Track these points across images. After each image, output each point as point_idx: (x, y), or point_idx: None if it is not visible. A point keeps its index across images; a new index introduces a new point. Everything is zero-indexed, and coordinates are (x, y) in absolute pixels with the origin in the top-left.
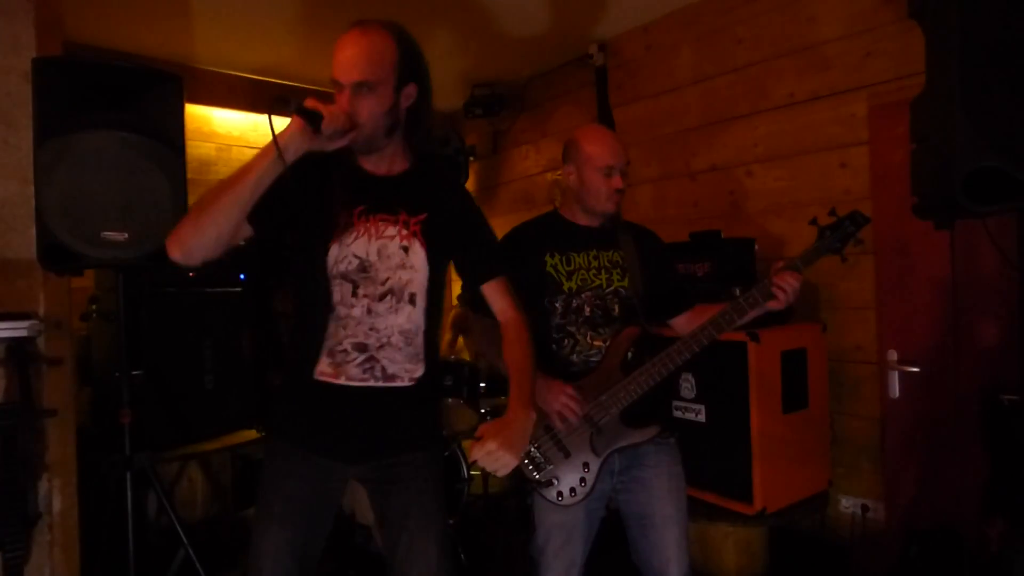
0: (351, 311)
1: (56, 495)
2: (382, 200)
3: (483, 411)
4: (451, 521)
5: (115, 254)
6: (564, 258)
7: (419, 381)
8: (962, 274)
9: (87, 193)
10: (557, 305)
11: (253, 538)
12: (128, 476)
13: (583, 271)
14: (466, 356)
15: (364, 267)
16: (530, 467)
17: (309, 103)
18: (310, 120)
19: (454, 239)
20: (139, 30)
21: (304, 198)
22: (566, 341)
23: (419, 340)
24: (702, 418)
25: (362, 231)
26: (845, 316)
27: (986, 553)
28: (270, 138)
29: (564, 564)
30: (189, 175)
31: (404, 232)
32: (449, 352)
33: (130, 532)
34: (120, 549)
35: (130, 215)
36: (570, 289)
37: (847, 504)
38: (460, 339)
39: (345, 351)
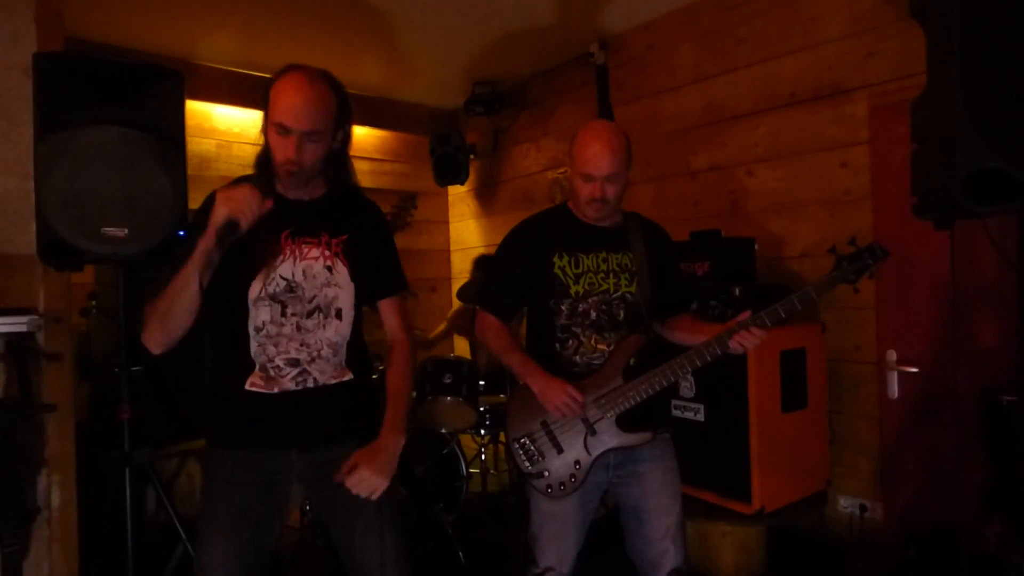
0: (281, 329)
1: (55, 490)
2: (304, 224)
3: (482, 409)
4: (449, 519)
5: (115, 250)
6: (572, 260)
7: (346, 383)
8: (962, 274)
9: (87, 189)
10: (563, 307)
11: (199, 549)
12: (127, 472)
13: (591, 274)
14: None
15: (291, 288)
16: (523, 458)
17: (222, 213)
18: (230, 232)
19: (370, 259)
20: (140, 26)
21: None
22: (570, 342)
23: (344, 350)
24: (701, 417)
25: (287, 254)
26: (844, 316)
27: (984, 554)
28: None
29: (558, 552)
30: (189, 171)
31: (327, 253)
32: (431, 340)
33: (129, 528)
34: (119, 545)
35: (130, 211)
36: (577, 293)
37: (845, 504)
38: (455, 337)
39: (278, 367)
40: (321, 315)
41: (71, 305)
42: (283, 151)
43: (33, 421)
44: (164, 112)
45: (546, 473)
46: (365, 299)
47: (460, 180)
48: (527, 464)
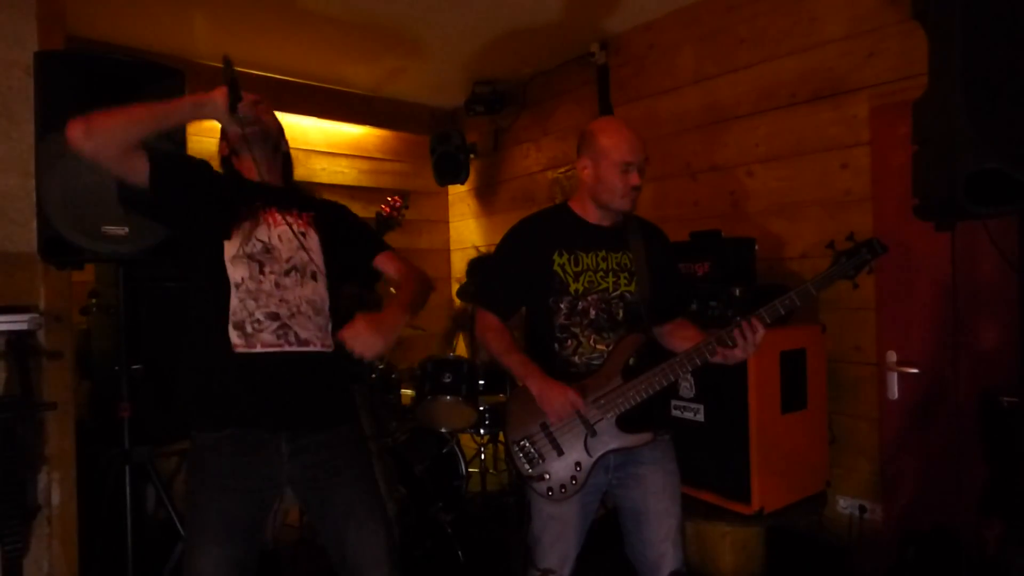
0: (260, 285)
1: (55, 488)
2: (275, 200)
3: (481, 408)
4: (449, 518)
5: (115, 248)
6: (572, 258)
7: (331, 351)
8: (962, 276)
9: (88, 187)
10: (562, 306)
11: (190, 559)
12: (127, 470)
13: (590, 272)
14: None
15: (267, 249)
16: (524, 461)
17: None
18: (233, 93)
19: (341, 234)
20: (141, 24)
21: (207, 197)
22: (569, 342)
23: (326, 312)
24: (701, 417)
25: (262, 220)
26: (845, 317)
27: (983, 555)
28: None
29: (559, 555)
30: None
31: (299, 222)
32: (447, 348)
33: (128, 526)
34: (118, 542)
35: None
36: (576, 291)
37: (845, 505)
38: (460, 336)
39: (258, 320)
40: (298, 274)
41: (72, 303)
42: (248, 99)
43: (33, 419)
44: None
45: (546, 476)
46: (359, 266)
47: (460, 179)
48: (527, 467)
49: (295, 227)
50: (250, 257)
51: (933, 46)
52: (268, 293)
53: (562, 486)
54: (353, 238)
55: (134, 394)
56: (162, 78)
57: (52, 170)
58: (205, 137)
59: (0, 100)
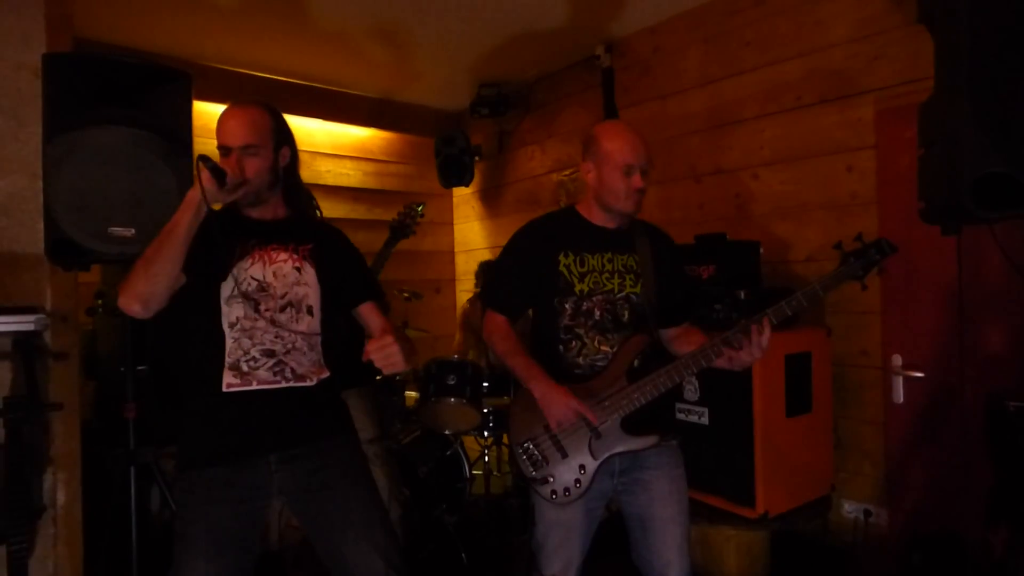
0: (256, 323)
1: (60, 488)
2: (272, 236)
3: (485, 410)
4: (452, 520)
5: (122, 249)
6: (578, 259)
7: (324, 381)
8: (968, 279)
9: (95, 189)
10: (567, 307)
11: (176, 573)
12: (132, 470)
13: (596, 274)
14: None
15: (263, 287)
16: (527, 463)
17: (206, 174)
18: (217, 176)
19: (337, 267)
20: (149, 26)
21: (204, 246)
22: (573, 343)
23: (319, 347)
24: (705, 420)
25: (257, 258)
26: (850, 320)
27: (989, 560)
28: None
29: (563, 560)
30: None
31: (295, 256)
32: (459, 352)
33: (133, 526)
34: (123, 543)
35: (137, 211)
36: (581, 292)
37: (850, 509)
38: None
39: (253, 358)
40: (293, 310)
41: (78, 304)
42: (229, 169)
43: (39, 419)
44: (172, 113)
45: (551, 479)
46: (341, 307)
47: (465, 182)
48: (531, 470)
49: (291, 262)
50: (245, 296)
51: (939, 50)
52: (263, 330)
53: (566, 489)
54: (346, 275)
55: (139, 395)
56: (169, 80)
57: (59, 171)
58: (210, 139)
59: (8, 102)
